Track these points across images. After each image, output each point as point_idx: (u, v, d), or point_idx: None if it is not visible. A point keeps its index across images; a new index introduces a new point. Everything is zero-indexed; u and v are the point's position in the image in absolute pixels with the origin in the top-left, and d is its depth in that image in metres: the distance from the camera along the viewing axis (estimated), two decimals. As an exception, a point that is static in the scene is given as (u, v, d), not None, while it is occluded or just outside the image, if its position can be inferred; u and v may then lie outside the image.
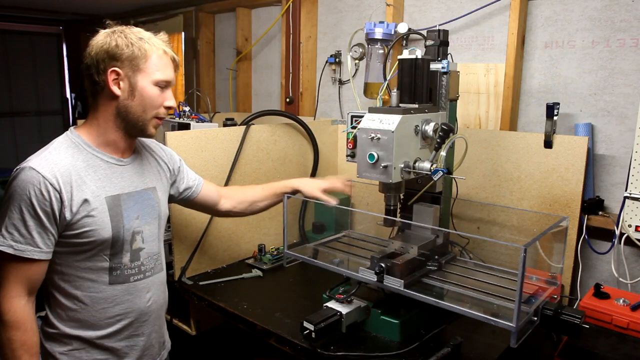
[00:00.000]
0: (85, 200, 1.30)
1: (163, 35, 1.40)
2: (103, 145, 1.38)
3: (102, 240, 1.33)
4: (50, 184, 1.25)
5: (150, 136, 1.42)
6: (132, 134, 1.41)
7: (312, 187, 1.80)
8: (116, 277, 1.38)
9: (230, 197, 1.81)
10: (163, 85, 1.36)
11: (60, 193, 1.26)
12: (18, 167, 1.28)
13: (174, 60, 1.40)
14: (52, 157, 1.30)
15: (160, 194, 1.52)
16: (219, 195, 1.79)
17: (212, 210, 1.81)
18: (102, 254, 1.35)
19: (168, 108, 1.40)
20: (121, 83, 1.33)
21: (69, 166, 1.30)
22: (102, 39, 1.33)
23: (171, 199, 1.68)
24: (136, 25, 1.38)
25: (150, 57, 1.33)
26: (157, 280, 1.50)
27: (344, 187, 1.86)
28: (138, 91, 1.34)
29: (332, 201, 1.77)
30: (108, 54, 1.31)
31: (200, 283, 2.02)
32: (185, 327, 2.12)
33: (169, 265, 2.08)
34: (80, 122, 1.51)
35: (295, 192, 1.83)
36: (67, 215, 1.27)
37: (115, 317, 1.40)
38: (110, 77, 1.32)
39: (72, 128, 1.39)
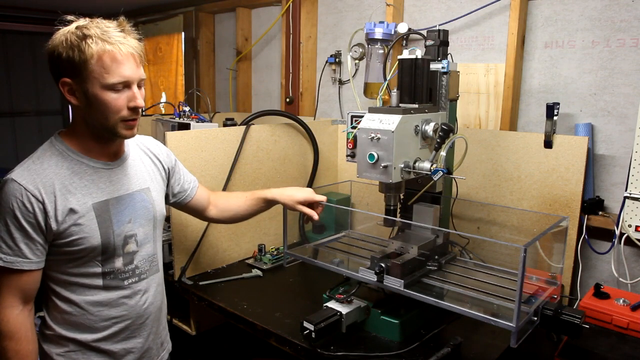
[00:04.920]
0: (71, 210, 1.27)
1: (122, 26, 1.27)
2: (87, 151, 1.33)
3: (92, 247, 1.31)
4: (33, 195, 1.23)
5: (125, 137, 1.33)
6: (107, 139, 1.33)
7: (291, 201, 1.69)
8: (110, 281, 1.37)
9: (216, 205, 1.75)
10: (119, 87, 1.24)
11: (43, 204, 1.24)
12: (3, 178, 1.27)
13: (133, 55, 1.25)
14: (34, 167, 1.27)
15: (155, 194, 1.48)
16: (209, 202, 1.74)
17: (200, 215, 1.75)
18: (94, 260, 1.33)
19: (133, 109, 1.27)
20: (76, 93, 1.25)
21: (52, 175, 1.27)
22: (51, 43, 1.24)
23: (165, 201, 1.61)
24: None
25: (92, 61, 1.20)
26: (153, 282, 1.48)
27: (318, 201, 1.71)
28: (91, 99, 1.24)
29: (315, 215, 1.68)
30: (53, 63, 1.24)
31: (200, 283, 2.02)
32: (185, 327, 2.12)
33: (169, 265, 2.09)
34: None
35: (274, 202, 1.74)
36: (53, 225, 1.26)
37: (111, 320, 1.38)
38: (64, 89, 1.26)
39: (56, 134, 1.35)
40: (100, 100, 1.24)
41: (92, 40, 1.20)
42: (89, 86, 1.23)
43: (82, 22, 1.25)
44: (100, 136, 1.33)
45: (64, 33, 1.23)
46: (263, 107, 3.37)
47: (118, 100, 1.25)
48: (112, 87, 1.23)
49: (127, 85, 1.25)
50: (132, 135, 1.33)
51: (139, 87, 1.30)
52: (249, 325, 1.74)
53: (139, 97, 1.28)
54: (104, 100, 1.24)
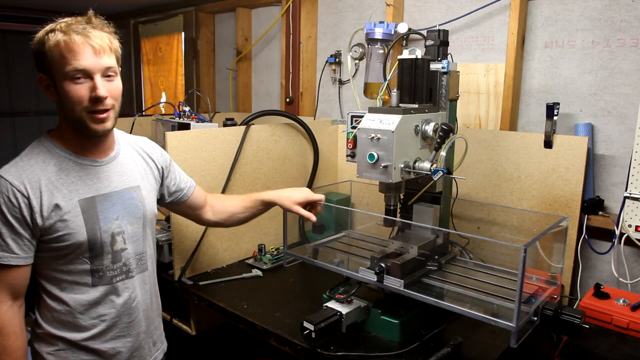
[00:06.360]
0: (57, 205, 1.28)
1: (89, 19, 1.28)
2: (74, 148, 1.34)
3: (78, 244, 1.31)
4: (18, 191, 1.24)
5: (96, 132, 1.30)
6: (86, 134, 1.32)
7: (289, 202, 1.68)
8: (99, 279, 1.36)
9: (212, 206, 1.74)
10: (78, 76, 1.23)
11: (29, 199, 1.25)
12: None
13: (92, 45, 1.24)
14: (22, 163, 1.29)
15: (145, 192, 1.47)
16: (205, 202, 1.72)
17: (195, 216, 1.73)
18: (81, 257, 1.33)
19: (95, 99, 1.25)
20: (50, 87, 1.28)
21: (38, 171, 1.28)
22: (32, 42, 1.27)
23: (161, 201, 1.61)
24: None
25: (51, 53, 1.23)
26: (141, 279, 1.46)
27: (316, 200, 1.71)
28: (59, 92, 1.26)
29: (313, 217, 1.68)
30: (34, 58, 1.28)
31: (200, 283, 2.02)
32: (185, 327, 2.12)
33: (169, 265, 2.09)
34: None
35: (271, 204, 1.74)
36: (39, 221, 1.26)
37: (99, 318, 1.38)
38: (42, 85, 1.29)
39: (46, 132, 1.36)
40: (64, 92, 1.25)
41: (54, 33, 1.24)
42: (54, 79, 1.26)
43: (60, 19, 1.27)
44: (79, 131, 1.32)
45: (41, 31, 1.27)
46: (263, 107, 3.37)
47: (79, 90, 1.24)
48: (71, 77, 1.23)
49: (87, 75, 1.24)
50: (104, 129, 1.31)
51: (107, 77, 1.28)
52: (249, 325, 1.74)
53: (100, 87, 1.25)
54: (65, 91, 1.25)
